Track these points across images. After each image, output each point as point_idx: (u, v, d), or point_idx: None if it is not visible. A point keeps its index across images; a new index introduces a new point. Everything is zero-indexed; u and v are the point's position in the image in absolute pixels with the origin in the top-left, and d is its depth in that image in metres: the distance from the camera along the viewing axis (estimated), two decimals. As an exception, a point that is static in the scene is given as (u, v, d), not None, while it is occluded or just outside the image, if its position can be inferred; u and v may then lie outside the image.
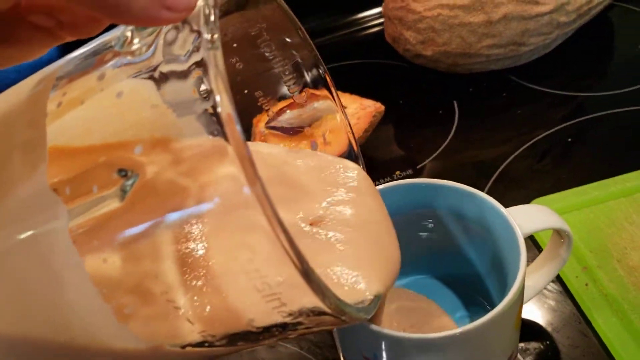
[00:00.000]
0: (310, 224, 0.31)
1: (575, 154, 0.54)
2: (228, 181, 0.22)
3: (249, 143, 0.35)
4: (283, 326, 0.25)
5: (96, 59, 0.26)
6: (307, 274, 0.22)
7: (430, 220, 0.39)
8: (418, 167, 0.55)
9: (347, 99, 0.55)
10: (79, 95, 0.26)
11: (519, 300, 0.33)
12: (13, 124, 0.27)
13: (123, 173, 0.24)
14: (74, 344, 0.27)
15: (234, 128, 0.21)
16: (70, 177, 0.25)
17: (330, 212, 0.32)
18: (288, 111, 0.36)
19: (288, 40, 0.33)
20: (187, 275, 0.24)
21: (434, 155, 0.56)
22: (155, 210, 0.24)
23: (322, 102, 0.35)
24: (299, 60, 0.34)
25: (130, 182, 0.24)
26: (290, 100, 0.35)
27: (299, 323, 0.25)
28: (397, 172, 0.54)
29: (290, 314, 0.24)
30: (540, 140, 0.55)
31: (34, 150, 0.26)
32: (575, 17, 0.59)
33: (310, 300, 0.23)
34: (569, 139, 0.55)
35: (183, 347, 0.26)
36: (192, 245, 0.24)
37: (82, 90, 0.26)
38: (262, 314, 0.24)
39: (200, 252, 0.24)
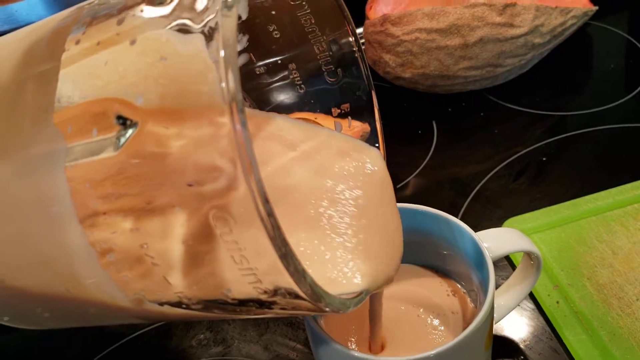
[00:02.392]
0: (318, 208, 0.31)
1: (549, 172, 0.55)
2: (223, 158, 0.22)
3: (271, 115, 0.34)
4: (259, 302, 0.25)
5: (122, 2, 0.26)
6: (285, 256, 0.22)
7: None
8: (399, 185, 0.57)
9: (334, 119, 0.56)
10: (96, 37, 0.26)
11: (488, 322, 0.35)
12: (35, 54, 0.28)
13: (121, 121, 0.24)
14: (55, 284, 0.28)
15: (235, 112, 0.21)
16: (74, 116, 0.25)
17: (341, 199, 0.31)
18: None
19: (328, 17, 0.33)
20: (167, 235, 0.24)
21: (413, 174, 0.57)
22: (145, 168, 0.24)
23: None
24: (336, 38, 0.33)
25: (128, 132, 0.24)
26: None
27: (275, 302, 0.25)
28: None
29: (265, 292, 0.24)
30: (517, 159, 0.57)
31: (47, 83, 0.26)
32: (549, 39, 0.61)
33: (286, 281, 0.23)
34: (544, 158, 0.56)
35: (161, 304, 0.27)
36: (177, 208, 0.24)
37: (100, 32, 0.26)
38: (238, 286, 0.24)
39: (185, 214, 0.24)
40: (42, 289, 0.29)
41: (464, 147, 0.60)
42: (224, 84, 0.21)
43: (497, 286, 0.41)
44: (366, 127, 0.54)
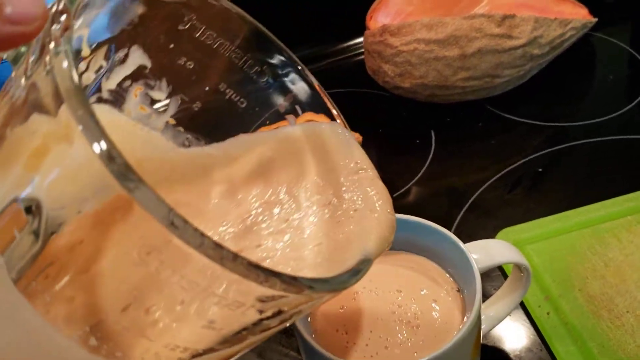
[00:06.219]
0: (285, 203, 0.31)
1: (545, 184, 0.56)
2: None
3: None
4: (256, 323, 0.24)
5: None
6: (268, 279, 0.21)
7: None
8: (395, 194, 0.57)
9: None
10: None
11: (475, 332, 0.35)
12: None
13: (27, 205, 0.22)
14: None
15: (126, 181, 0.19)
16: None
17: (321, 184, 0.31)
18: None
19: (224, 22, 0.31)
20: (138, 304, 0.23)
21: (411, 183, 0.58)
22: (70, 250, 0.23)
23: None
24: (244, 38, 0.32)
25: (37, 219, 0.22)
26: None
27: (268, 317, 0.24)
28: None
29: (258, 310, 0.23)
30: (513, 170, 0.57)
31: None
32: (548, 50, 0.61)
33: (258, 289, 0.22)
34: (540, 169, 0.57)
35: None
36: (134, 273, 0.23)
37: None
38: (228, 322, 0.24)
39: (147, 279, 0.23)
40: None
41: (462, 156, 0.60)
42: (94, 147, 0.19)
43: (488, 296, 0.41)
44: (357, 136, 0.55)
